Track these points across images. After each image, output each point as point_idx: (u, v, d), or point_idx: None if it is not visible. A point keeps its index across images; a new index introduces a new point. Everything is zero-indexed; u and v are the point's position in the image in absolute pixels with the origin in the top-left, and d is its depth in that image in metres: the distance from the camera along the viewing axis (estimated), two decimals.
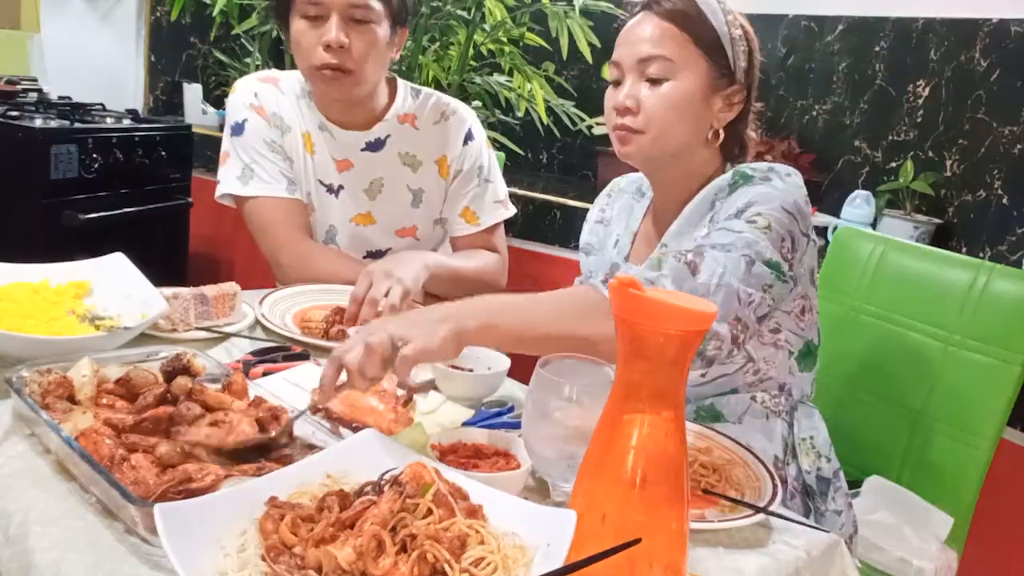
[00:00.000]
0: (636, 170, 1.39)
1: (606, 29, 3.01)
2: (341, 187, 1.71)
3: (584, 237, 1.50)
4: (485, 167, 1.76)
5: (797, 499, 1.25)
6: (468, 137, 1.74)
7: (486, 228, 1.78)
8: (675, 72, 1.19)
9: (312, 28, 1.51)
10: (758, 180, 1.17)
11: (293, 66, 1.68)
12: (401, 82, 1.74)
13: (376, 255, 1.76)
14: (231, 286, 1.38)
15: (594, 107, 3.02)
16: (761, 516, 0.96)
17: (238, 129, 1.66)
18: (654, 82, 1.20)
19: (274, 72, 1.74)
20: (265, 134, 1.65)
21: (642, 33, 1.21)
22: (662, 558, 0.74)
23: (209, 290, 1.35)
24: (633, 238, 1.39)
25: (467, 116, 1.76)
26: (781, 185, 1.16)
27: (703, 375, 1.25)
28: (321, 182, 1.70)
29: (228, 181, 1.66)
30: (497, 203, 1.79)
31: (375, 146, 1.69)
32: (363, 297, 1.36)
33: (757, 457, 1.09)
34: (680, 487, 0.74)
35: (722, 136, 1.24)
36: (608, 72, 1.26)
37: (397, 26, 1.60)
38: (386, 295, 1.36)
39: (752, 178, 1.18)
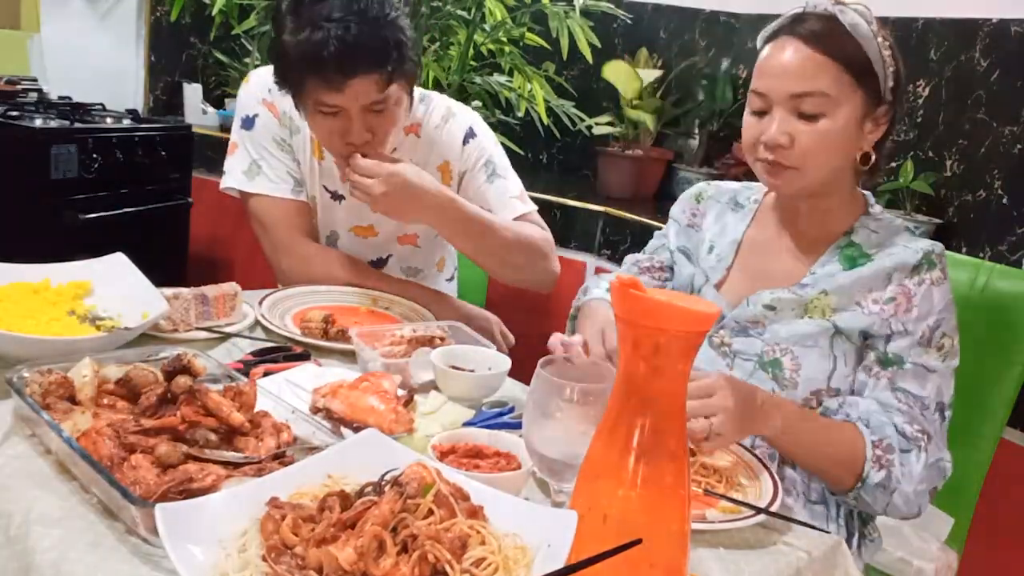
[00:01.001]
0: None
1: (606, 29, 3.02)
2: (344, 196, 1.68)
3: (676, 241, 1.44)
4: (495, 163, 1.69)
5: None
6: (468, 136, 1.68)
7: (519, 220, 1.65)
8: (832, 107, 1.14)
9: (330, 120, 1.45)
10: (938, 272, 1.19)
11: (275, 66, 1.63)
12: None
13: (376, 264, 1.75)
14: (231, 286, 1.38)
15: (594, 107, 3.03)
16: (762, 517, 0.96)
17: (248, 123, 1.64)
18: (809, 117, 1.15)
19: None
20: (275, 132, 1.64)
21: (792, 64, 1.15)
22: (663, 559, 0.74)
23: (210, 290, 1.34)
24: (736, 248, 1.35)
25: (467, 116, 1.71)
26: (949, 283, 1.20)
27: None
28: (326, 188, 1.69)
29: (234, 174, 1.65)
30: (512, 199, 1.68)
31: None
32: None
33: (758, 458, 1.09)
34: (681, 488, 0.74)
35: (872, 158, 1.21)
36: (750, 101, 1.21)
37: (411, 89, 1.54)
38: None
39: (935, 267, 1.19)
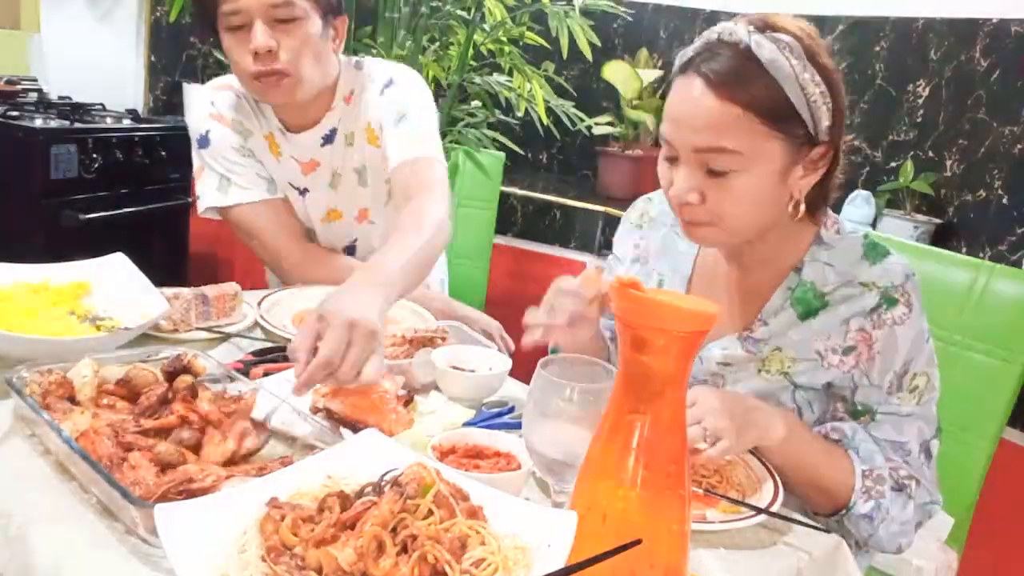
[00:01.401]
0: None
1: (606, 29, 3.02)
2: (306, 189, 1.67)
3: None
4: (406, 107, 1.55)
5: None
6: (386, 86, 1.57)
7: (410, 162, 1.52)
8: (744, 164, 0.99)
9: (239, 39, 1.44)
10: (901, 307, 1.07)
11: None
12: (344, 59, 1.62)
13: (350, 250, 1.73)
14: (232, 286, 1.38)
15: (594, 107, 3.03)
16: (763, 517, 0.96)
17: (204, 141, 1.61)
18: (717, 173, 1.01)
19: (226, 78, 1.65)
20: (232, 140, 1.61)
21: (697, 113, 0.99)
22: (663, 559, 0.74)
23: (210, 290, 1.34)
24: (688, 282, 1.24)
25: (389, 69, 1.60)
26: (918, 310, 1.07)
27: None
28: (291, 184, 1.67)
29: (208, 194, 1.62)
30: (410, 142, 1.53)
31: (329, 138, 1.62)
32: (309, 352, 1.00)
33: (759, 458, 1.09)
34: (681, 488, 0.74)
35: (802, 208, 1.06)
36: (661, 143, 1.07)
37: (330, 16, 1.50)
38: (345, 357, 1.00)
39: (895, 304, 1.07)
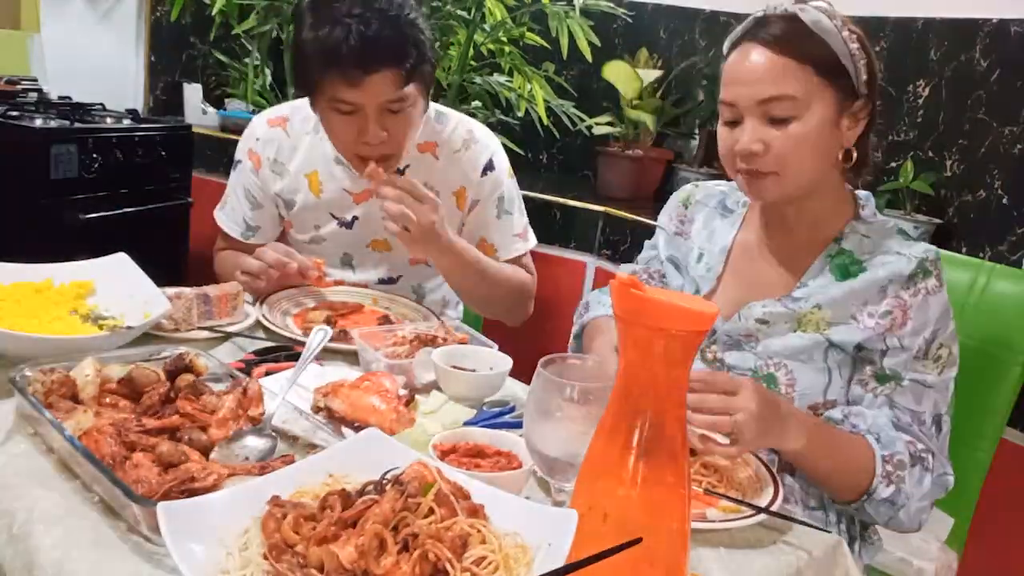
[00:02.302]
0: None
1: (606, 29, 3.02)
2: (356, 218, 1.68)
3: (665, 250, 1.41)
4: (505, 198, 1.70)
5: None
6: (488, 167, 1.68)
7: (515, 259, 1.71)
8: (802, 109, 1.12)
9: (346, 121, 1.45)
10: (934, 280, 1.16)
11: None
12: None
13: (388, 282, 1.75)
14: (233, 286, 1.39)
15: (594, 107, 3.04)
16: (762, 516, 0.96)
17: (235, 165, 1.73)
18: (779, 121, 1.13)
19: (286, 108, 1.71)
20: (249, 182, 1.70)
21: (756, 70, 1.13)
22: (663, 557, 0.74)
23: (212, 290, 1.35)
24: (726, 256, 1.32)
25: (489, 144, 1.70)
26: (945, 288, 1.17)
27: None
28: (333, 215, 1.68)
29: (220, 208, 1.77)
30: (515, 237, 1.71)
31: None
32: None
33: (758, 458, 1.09)
34: (681, 487, 0.74)
35: (855, 155, 1.18)
36: (721, 112, 1.19)
37: (431, 89, 1.54)
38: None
39: (930, 275, 1.16)
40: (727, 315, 1.26)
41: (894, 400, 1.16)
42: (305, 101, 1.54)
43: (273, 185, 1.68)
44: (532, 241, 1.75)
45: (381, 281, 1.74)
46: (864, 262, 1.19)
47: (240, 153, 1.71)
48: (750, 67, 1.14)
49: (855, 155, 1.18)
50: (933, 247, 1.20)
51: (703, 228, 1.37)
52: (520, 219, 1.73)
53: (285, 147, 1.67)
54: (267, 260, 1.48)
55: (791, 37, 1.12)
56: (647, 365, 0.73)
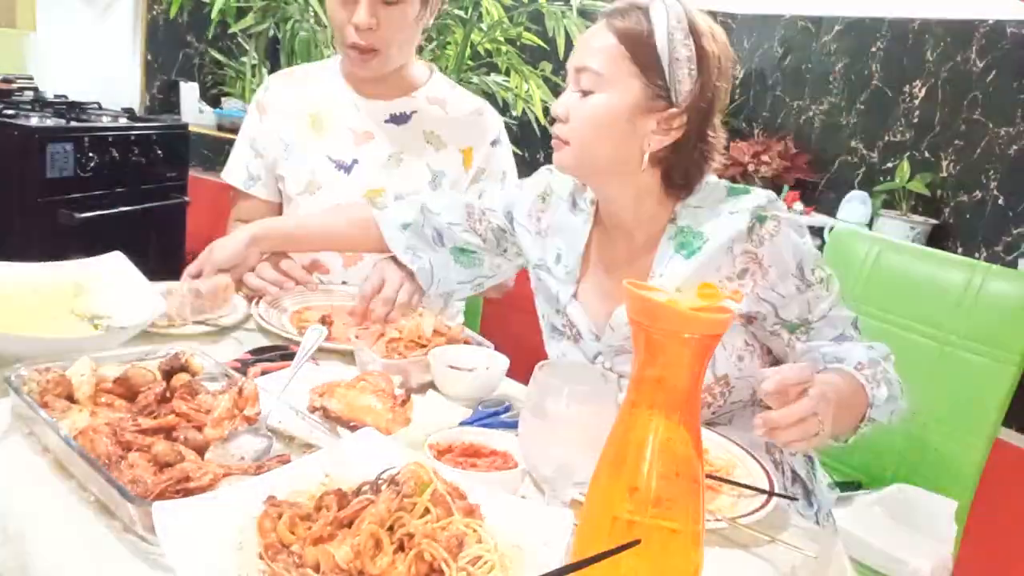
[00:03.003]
0: None
1: None
2: (356, 161, 1.69)
3: (534, 252, 1.36)
4: (508, 177, 1.76)
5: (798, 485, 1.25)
6: (496, 142, 1.75)
7: None
8: (603, 86, 1.14)
9: (343, 6, 1.54)
10: (772, 222, 1.14)
11: (289, 65, 1.68)
12: (439, 73, 1.78)
13: None
14: (223, 278, 1.39)
15: None
16: (761, 515, 0.96)
17: (244, 120, 1.79)
18: (584, 93, 1.15)
19: (299, 68, 1.83)
20: (253, 129, 1.74)
21: (587, 41, 1.17)
22: (674, 560, 0.73)
23: (203, 284, 1.36)
24: (582, 257, 1.30)
25: (498, 123, 1.77)
26: (787, 220, 1.15)
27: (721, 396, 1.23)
28: (330, 158, 1.69)
29: (228, 163, 1.79)
30: None
31: (400, 119, 1.70)
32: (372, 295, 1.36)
33: (755, 458, 1.09)
34: (696, 491, 0.74)
35: (663, 165, 1.17)
36: None
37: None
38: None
39: (766, 220, 1.14)
40: (599, 330, 1.25)
41: (820, 341, 1.19)
42: (318, 63, 1.70)
43: (275, 128, 1.71)
44: None
45: None
46: (704, 233, 1.18)
47: (252, 102, 1.78)
48: (584, 37, 1.19)
49: (663, 164, 1.17)
50: (764, 191, 1.19)
51: (560, 229, 1.34)
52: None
53: (290, 93, 1.72)
54: (266, 278, 1.51)
55: (623, 18, 1.14)
56: (662, 369, 0.72)
